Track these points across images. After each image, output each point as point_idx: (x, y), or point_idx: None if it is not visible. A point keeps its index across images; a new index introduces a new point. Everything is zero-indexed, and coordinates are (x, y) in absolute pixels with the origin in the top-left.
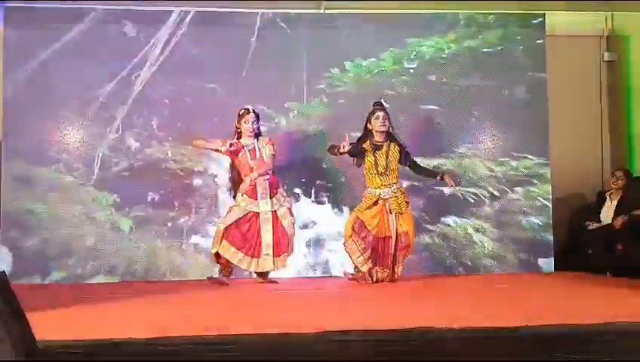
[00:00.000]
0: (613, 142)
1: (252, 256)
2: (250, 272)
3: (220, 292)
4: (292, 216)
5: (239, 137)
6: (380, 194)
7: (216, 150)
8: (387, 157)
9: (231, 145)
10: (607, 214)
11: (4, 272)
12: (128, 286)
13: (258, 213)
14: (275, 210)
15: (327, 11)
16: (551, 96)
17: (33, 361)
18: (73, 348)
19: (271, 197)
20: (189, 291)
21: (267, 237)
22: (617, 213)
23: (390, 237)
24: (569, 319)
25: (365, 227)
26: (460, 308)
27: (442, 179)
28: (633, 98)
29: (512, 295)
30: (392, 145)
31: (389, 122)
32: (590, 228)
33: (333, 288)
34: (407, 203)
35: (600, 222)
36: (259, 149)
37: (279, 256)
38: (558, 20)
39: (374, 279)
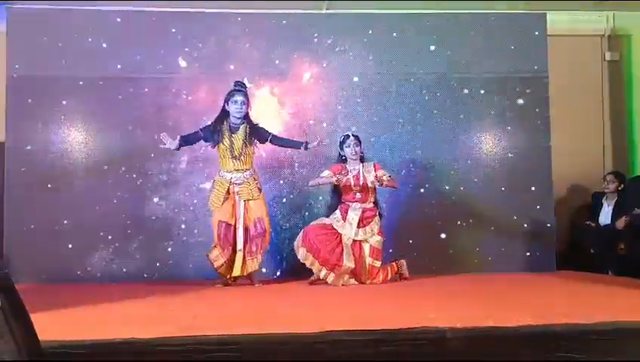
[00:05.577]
0: (614, 143)
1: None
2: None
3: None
4: (382, 235)
5: (344, 162)
6: (232, 179)
7: (330, 183)
8: (244, 141)
9: (338, 173)
10: (605, 216)
11: (7, 273)
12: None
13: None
14: (360, 241)
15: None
16: (552, 96)
17: (36, 361)
18: (74, 348)
19: (359, 226)
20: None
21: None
22: (615, 214)
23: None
24: (570, 318)
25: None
26: (461, 307)
27: (306, 148)
28: (635, 98)
29: (513, 294)
30: (246, 127)
31: (247, 106)
32: (591, 228)
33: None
34: (259, 189)
35: (598, 223)
36: (363, 175)
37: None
38: (560, 20)
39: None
